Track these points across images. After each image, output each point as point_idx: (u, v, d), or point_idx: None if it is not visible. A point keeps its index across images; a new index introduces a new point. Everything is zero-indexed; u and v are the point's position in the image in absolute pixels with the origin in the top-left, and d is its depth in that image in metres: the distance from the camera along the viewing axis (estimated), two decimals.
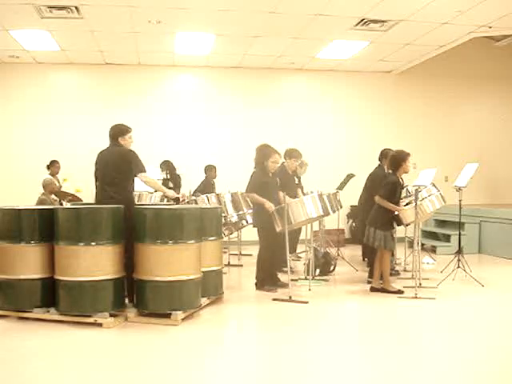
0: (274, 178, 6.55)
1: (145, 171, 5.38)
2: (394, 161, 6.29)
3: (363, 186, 7.57)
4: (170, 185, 9.16)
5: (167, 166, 9.47)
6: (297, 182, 7.78)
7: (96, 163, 5.50)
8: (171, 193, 5.82)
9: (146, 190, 8.13)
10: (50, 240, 4.96)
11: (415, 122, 11.66)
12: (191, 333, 4.70)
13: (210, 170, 9.71)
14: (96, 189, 5.50)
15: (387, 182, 6.22)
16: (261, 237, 6.43)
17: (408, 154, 6.28)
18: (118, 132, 5.49)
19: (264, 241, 6.39)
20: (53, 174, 8.92)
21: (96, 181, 5.51)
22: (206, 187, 9.32)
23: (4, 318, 5.00)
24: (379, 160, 7.39)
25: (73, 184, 8.96)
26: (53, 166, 9.15)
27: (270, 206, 6.10)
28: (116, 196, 5.21)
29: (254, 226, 6.74)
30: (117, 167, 5.30)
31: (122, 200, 5.17)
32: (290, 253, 6.28)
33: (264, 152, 6.39)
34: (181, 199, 6.18)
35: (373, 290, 6.29)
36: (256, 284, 6.45)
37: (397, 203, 6.24)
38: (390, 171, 6.38)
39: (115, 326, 4.78)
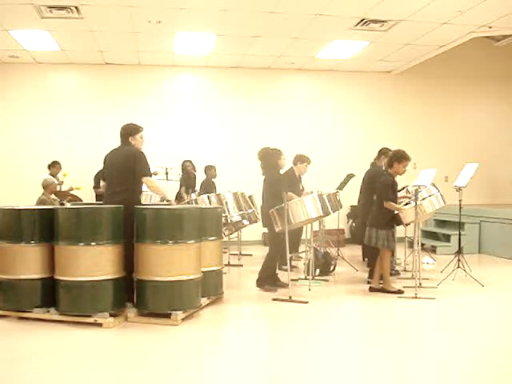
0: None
1: (149, 175, 5.36)
2: (389, 157, 6.31)
3: (362, 185, 7.58)
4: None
5: (183, 166, 9.58)
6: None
7: (104, 163, 5.51)
8: (169, 199, 5.83)
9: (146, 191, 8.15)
10: (50, 240, 4.96)
11: (415, 122, 11.66)
12: (191, 333, 4.70)
13: (209, 169, 9.74)
14: (104, 189, 5.51)
15: (383, 183, 6.16)
16: (274, 237, 6.42)
17: (404, 157, 6.13)
18: (129, 131, 5.44)
19: (277, 241, 6.36)
20: (53, 175, 8.92)
21: (104, 181, 5.49)
22: (207, 187, 9.35)
23: (4, 318, 5.00)
24: (377, 157, 7.40)
25: (73, 182, 8.93)
26: (54, 166, 9.14)
27: None
28: (123, 198, 5.17)
29: (264, 226, 6.73)
30: (123, 168, 5.27)
31: (129, 202, 5.13)
32: (291, 252, 6.30)
33: (273, 153, 6.54)
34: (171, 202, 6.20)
35: (372, 290, 6.28)
36: (257, 280, 6.44)
37: (395, 201, 6.22)
38: (385, 169, 6.38)
39: (115, 326, 4.78)
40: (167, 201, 5.85)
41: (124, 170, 5.27)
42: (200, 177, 9.84)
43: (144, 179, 5.33)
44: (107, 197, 5.37)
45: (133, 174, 5.26)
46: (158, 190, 5.78)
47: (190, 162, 9.90)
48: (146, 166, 5.34)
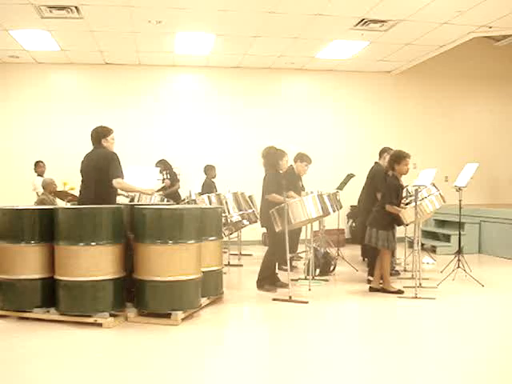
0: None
1: (120, 177, 5.34)
2: (388, 162, 6.31)
3: (363, 185, 7.58)
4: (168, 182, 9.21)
5: (164, 164, 9.45)
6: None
7: (81, 165, 5.59)
8: (150, 190, 5.82)
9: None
10: (50, 240, 4.96)
11: (415, 122, 11.67)
12: (191, 333, 4.70)
13: (209, 169, 9.73)
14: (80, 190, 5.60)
15: (390, 186, 6.16)
16: (271, 236, 6.42)
17: (401, 157, 6.12)
18: (101, 134, 5.53)
19: (275, 241, 6.37)
20: (40, 175, 8.74)
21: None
22: (207, 187, 9.34)
23: (4, 318, 5.00)
24: (379, 157, 7.41)
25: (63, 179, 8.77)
26: (37, 166, 8.90)
27: None
28: (96, 198, 5.23)
29: (262, 226, 6.74)
30: (98, 169, 5.35)
31: (103, 202, 5.19)
32: (290, 252, 6.30)
33: (276, 153, 6.53)
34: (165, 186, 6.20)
35: (372, 290, 6.28)
36: (257, 282, 6.44)
37: (398, 205, 6.21)
38: (391, 172, 6.37)
39: (115, 326, 4.78)
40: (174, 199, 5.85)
41: (98, 171, 5.34)
42: (199, 177, 9.82)
43: (114, 182, 5.33)
44: (83, 198, 5.42)
45: (106, 175, 5.33)
46: (132, 188, 5.78)
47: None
48: (118, 168, 5.36)
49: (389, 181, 6.23)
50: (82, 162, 5.60)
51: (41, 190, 8.34)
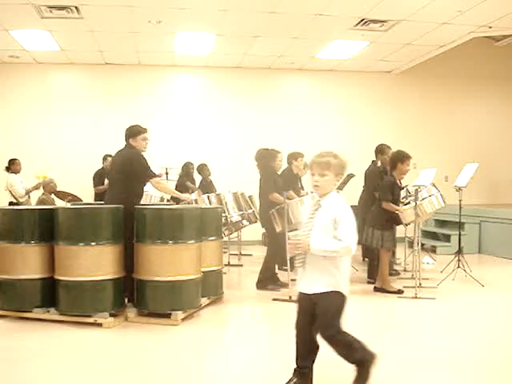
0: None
1: (154, 176, 5.40)
2: (391, 160, 6.34)
3: (363, 185, 7.59)
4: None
5: (187, 167, 9.53)
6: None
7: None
8: (184, 196, 5.86)
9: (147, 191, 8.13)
10: (50, 240, 4.96)
11: (415, 122, 11.66)
12: (191, 333, 4.70)
13: (202, 168, 9.69)
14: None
15: (384, 184, 6.21)
16: (272, 237, 6.42)
17: (406, 157, 6.19)
18: (130, 133, 5.46)
19: (275, 241, 6.37)
20: (16, 173, 8.59)
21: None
22: (205, 186, 9.32)
23: (4, 318, 5.00)
24: (375, 156, 7.42)
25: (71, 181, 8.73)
26: (13, 164, 8.62)
27: None
28: (120, 201, 5.16)
29: (263, 227, 6.73)
30: (120, 169, 5.33)
31: (125, 205, 5.10)
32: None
33: (269, 154, 6.56)
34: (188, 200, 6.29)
35: (376, 289, 6.27)
36: (258, 283, 6.43)
37: (394, 203, 6.22)
38: (389, 170, 6.40)
39: (115, 326, 4.79)
40: (181, 200, 5.93)
41: (121, 172, 5.32)
42: (199, 177, 9.81)
43: (153, 182, 5.41)
44: (107, 199, 5.42)
45: (129, 177, 5.28)
46: (169, 190, 5.89)
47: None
48: (147, 169, 5.36)
49: (385, 179, 6.27)
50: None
51: (18, 189, 8.24)
